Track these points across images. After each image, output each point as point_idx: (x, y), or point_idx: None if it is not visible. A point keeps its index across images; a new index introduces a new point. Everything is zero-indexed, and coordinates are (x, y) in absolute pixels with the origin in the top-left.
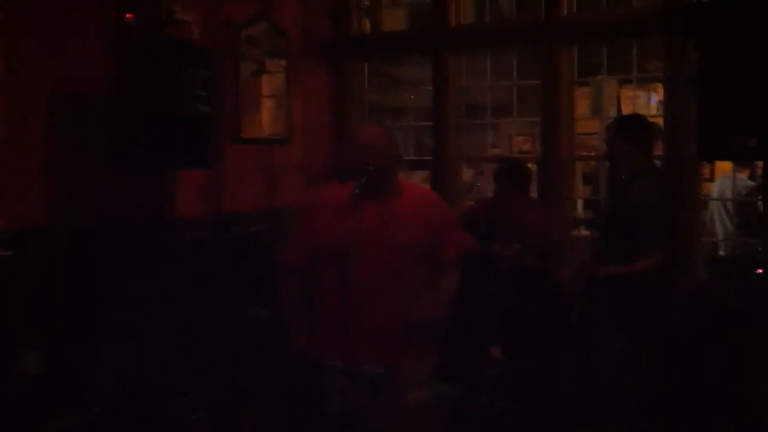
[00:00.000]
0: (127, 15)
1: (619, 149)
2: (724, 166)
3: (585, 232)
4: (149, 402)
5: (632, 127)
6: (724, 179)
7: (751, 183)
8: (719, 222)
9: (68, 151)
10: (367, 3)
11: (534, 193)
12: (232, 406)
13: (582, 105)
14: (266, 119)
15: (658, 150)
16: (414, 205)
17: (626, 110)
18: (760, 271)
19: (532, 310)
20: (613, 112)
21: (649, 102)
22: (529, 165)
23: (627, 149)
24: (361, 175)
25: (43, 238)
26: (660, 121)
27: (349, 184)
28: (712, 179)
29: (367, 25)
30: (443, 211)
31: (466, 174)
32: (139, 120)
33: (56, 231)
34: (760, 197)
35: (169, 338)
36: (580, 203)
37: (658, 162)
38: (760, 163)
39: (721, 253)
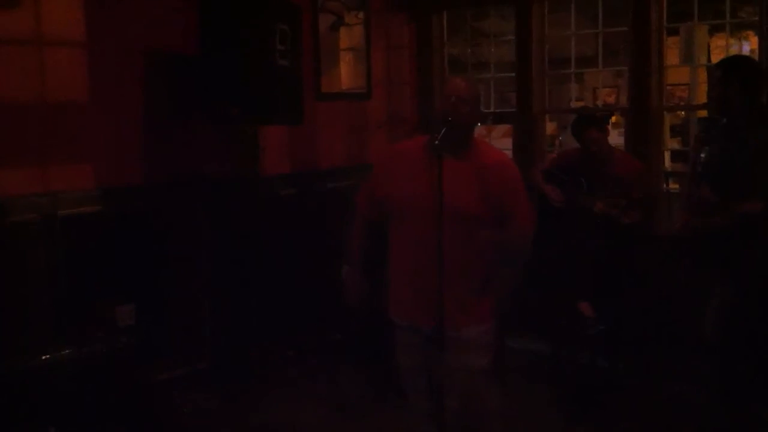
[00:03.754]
0: None
1: (725, 93)
2: None
3: (674, 186)
4: (246, 354)
5: (741, 68)
6: None
7: None
8: None
9: (158, 109)
10: None
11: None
12: (325, 359)
13: (671, 54)
14: (346, 73)
15: None
16: (487, 168)
17: (717, 59)
18: None
19: (632, 266)
20: (703, 61)
21: (741, 50)
22: (614, 117)
23: (734, 93)
24: (441, 128)
25: (136, 194)
26: None
27: (427, 137)
28: None
29: None
30: (518, 183)
31: (549, 127)
32: (224, 77)
33: (149, 187)
34: None
35: (260, 292)
36: (667, 155)
37: None
38: None
39: None
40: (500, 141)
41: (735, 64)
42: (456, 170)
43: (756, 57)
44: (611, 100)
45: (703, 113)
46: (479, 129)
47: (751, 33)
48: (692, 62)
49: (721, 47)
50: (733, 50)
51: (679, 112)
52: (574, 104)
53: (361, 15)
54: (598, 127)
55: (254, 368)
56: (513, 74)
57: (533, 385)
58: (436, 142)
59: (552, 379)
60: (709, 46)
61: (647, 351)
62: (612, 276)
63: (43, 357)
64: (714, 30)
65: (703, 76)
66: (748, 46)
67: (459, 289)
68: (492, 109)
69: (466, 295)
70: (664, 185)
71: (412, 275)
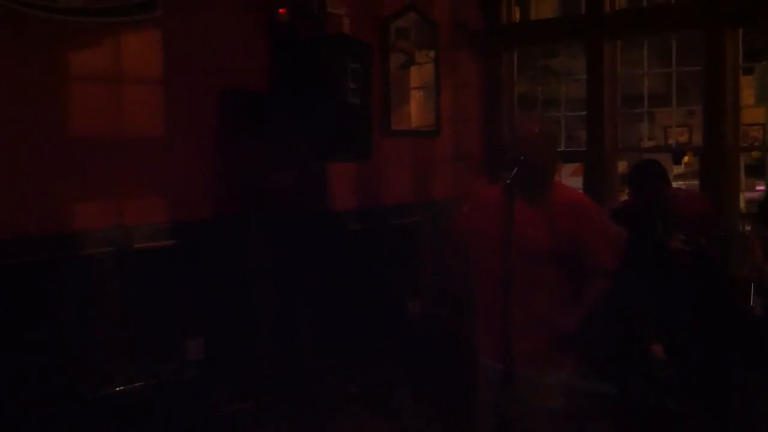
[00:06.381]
0: (280, 10)
1: None
2: None
3: (749, 227)
4: (314, 387)
5: None
6: None
7: None
8: None
9: (229, 144)
10: None
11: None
12: (390, 393)
13: (745, 93)
14: (415, 111)
15: None
16: (562, 212)
17: None
18: None
19: (710, 305)
20: None
21: None
22: (686, 158)
23: None
24: (512, 168)
25: (206, 228)
26: None
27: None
28: None
29: (518, 14)
30: (594, 221)
31: (620, 166)
32: (295, 113)
33: (219, 221)
34: None
35: (327, 325)
36: (742, 197)
37: None
38: None
39: None
40: (570, 179)
41: None
42: (533, 212)
43: None
44: (683, 139)
45: None
46: None
47: None
48: (767, 102)
49: None
50: None
51: (753, 152)
52: (645, 143)
53: (431, 54)
54: (651, 186)
55: (321, 401)
56: (583, 112)
57: (599, 426)
58: (508, 181)
59: (619, 421)
60: None
61: (722, 396)
62: (688, 318)
63: (115, 388)
64: None
65: None
66: None
67: (533, 328)
68: (562, 148)
69: (540, 336)
70: (740, 227)
71: (490, 313)
